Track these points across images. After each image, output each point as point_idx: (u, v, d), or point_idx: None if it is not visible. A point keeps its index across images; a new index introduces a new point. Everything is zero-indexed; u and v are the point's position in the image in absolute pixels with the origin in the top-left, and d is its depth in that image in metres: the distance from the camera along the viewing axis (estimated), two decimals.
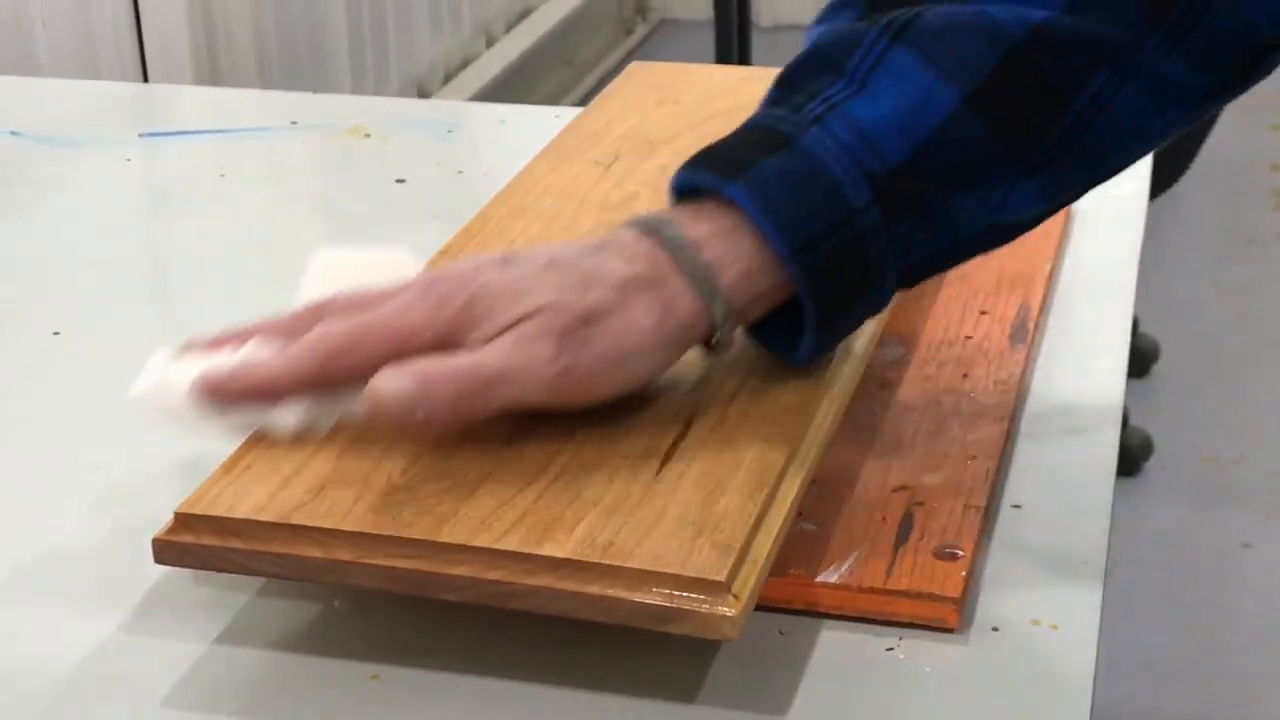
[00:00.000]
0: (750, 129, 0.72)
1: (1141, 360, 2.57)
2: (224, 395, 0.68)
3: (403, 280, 0.70)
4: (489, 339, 0.66)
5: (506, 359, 0.66)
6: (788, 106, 0.71)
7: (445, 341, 0.67)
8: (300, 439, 0.69)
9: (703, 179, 0.71)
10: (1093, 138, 0.70)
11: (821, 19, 0.75)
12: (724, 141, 0.72)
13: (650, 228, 0.70)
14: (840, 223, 0.69)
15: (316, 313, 0.70)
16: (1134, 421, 2.32)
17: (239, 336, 0.71)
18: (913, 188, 0.69)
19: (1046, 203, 0.72)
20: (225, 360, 0.70)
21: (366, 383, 0.66)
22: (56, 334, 0.93)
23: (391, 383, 0.65)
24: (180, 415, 0.69)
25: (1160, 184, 2.22)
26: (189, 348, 0.72)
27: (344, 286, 0.72)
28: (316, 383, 0.68)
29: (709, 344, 0.71)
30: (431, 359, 0.66)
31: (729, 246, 0.69)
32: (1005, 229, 0.73)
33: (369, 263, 0.78)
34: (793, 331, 0.71)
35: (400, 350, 0.66)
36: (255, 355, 0.69)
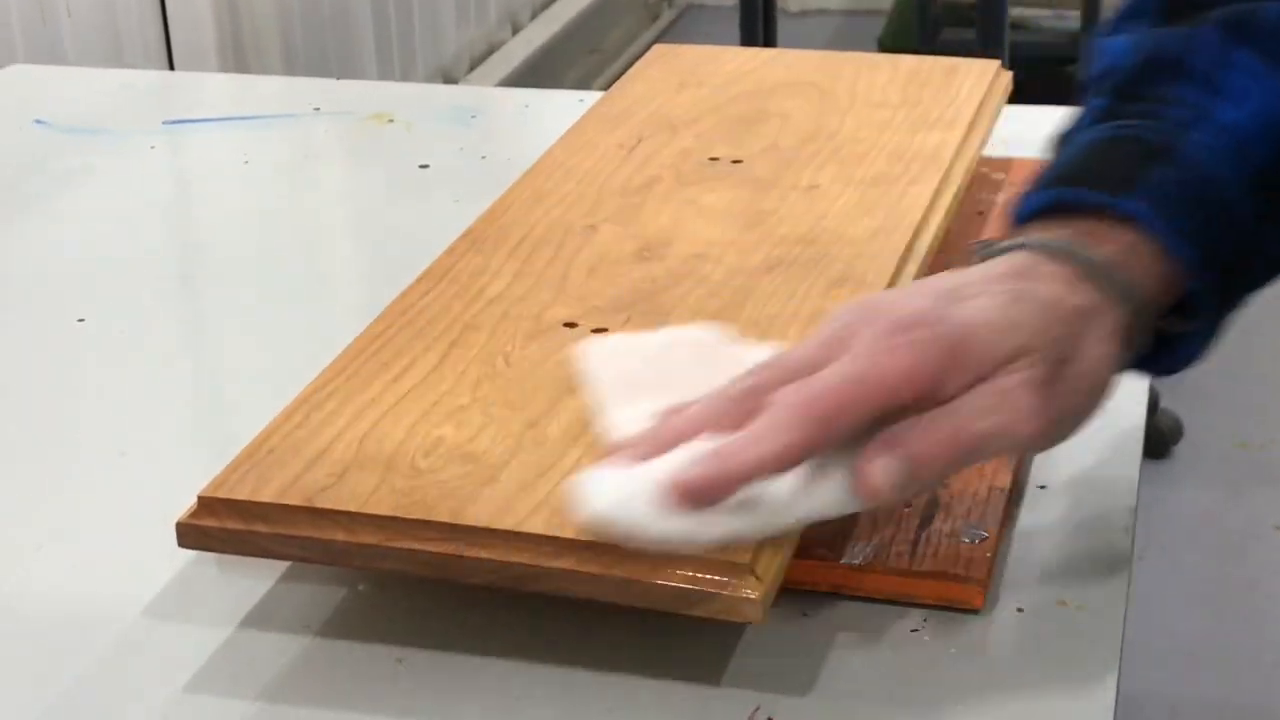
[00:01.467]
0: (1113, 141, 0.68)
1: None
2: (710, 494, 0.60)
3: (829, 334, 0.63)
4: (974, 390, 0.61)
5: (995, 421, 0.61)
6: (1140, 115, 0.69)
7: (929, 394, 0.61)
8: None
9: (1082, 196, 0.66)
10: None
11: (1115, 30, 0.73)
12: (1080, 158, 0.68)
13: (1056, 252, 0.65)
14: (1233, 229, 0.67)
15: (752, 390, 0.63)
16: (1164, 405, 2.31)
17: (671, 433, 0.63)
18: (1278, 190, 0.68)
19: None
20: (679, 459, 0.61)
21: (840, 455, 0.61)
22: (81, 321, 0.94)
23: (884, 471, 0.60)
24: (650, 530, 0.61)
25: None
26: (617, 454, 0.63)
27: (639, 371, 0.68)
28: (806, 455, 0.60)
29: None
30: (918, 433, 0.60)
31: (1136, 261, 0.65)
32: None
33: (659, 344, 0.73)
34: (1161, 342, 0.68)
35: (890, 406, 0.61)
36: (712, 446, 0.61)
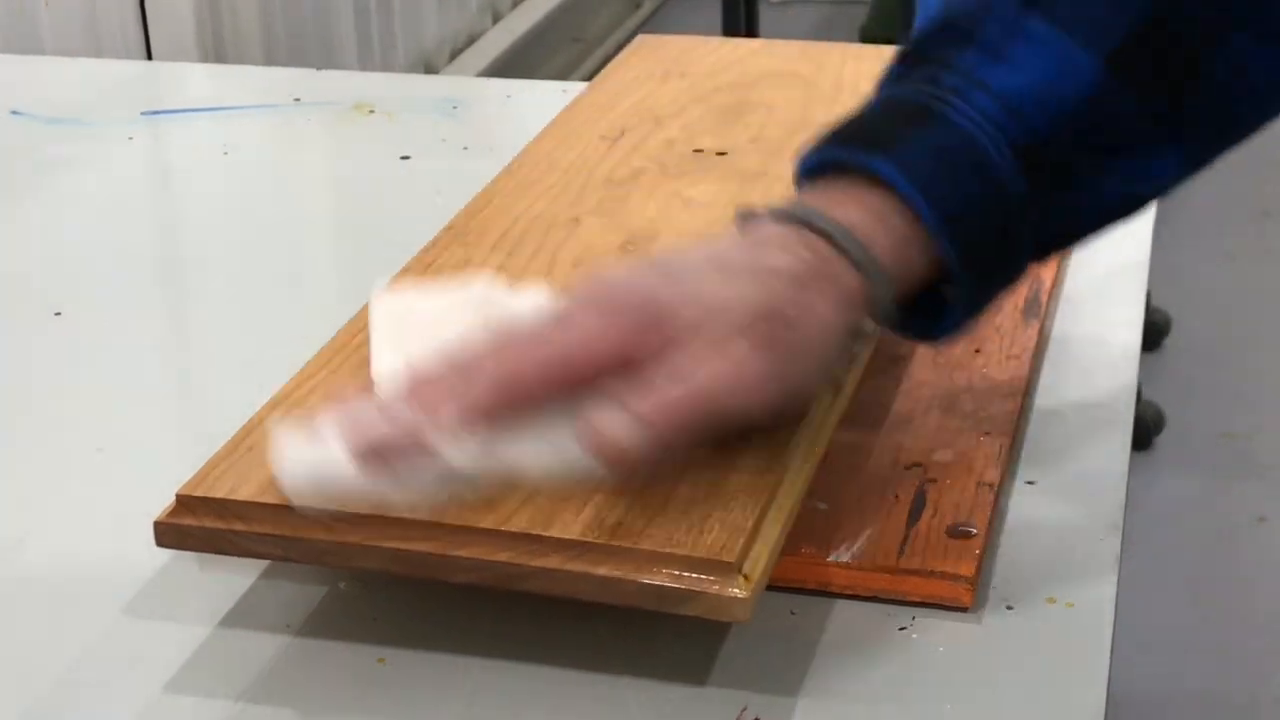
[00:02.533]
0: (886, 102, 0.69)
1: (1153, 333, 2.56)
2: (399, 453, 0.60)
3: (548, 306, 0.64)
4: (691, 357, 0.62)
5: (720, 377, 0.62)
6: (920, 79, 0.69)
7: (629, 363, 0.62)
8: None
9: (845, 155, 0.67)
10: (1231, 101, 0.69)
11: None
12: (859, 116, 0.69)
13: (798, 219, 0.66)
14: (989, 196, 0.66)
15: (468, 354, 0.63)
16: (1146, 395, 2.31)
17: (372, 399, 0.63)
18: (1057, 158, 0.67)
19: (1183, 169, 0.70)
20: (373, 417, 0.61)
21: (540, 420, 0.61)
22: (58, 314, 0.93)
23: (618, 428, 0.60)
24: (350, 492, 0.61)
25: None
26: (310, 423, 0.62)
27: (418, 325, 0.68)
28: (500, 417, 0.61)
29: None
30: (640, 391, 0.61)
31: (880, 225, 0.65)
32: (1140, 198, 0.71)
33: (445, 299, 0.73)
34: (926, 311, 0.68)
35: (586, 378, 0.61)
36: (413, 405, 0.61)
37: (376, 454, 0.60)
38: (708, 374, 0.62)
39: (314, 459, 0.61)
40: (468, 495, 0.62)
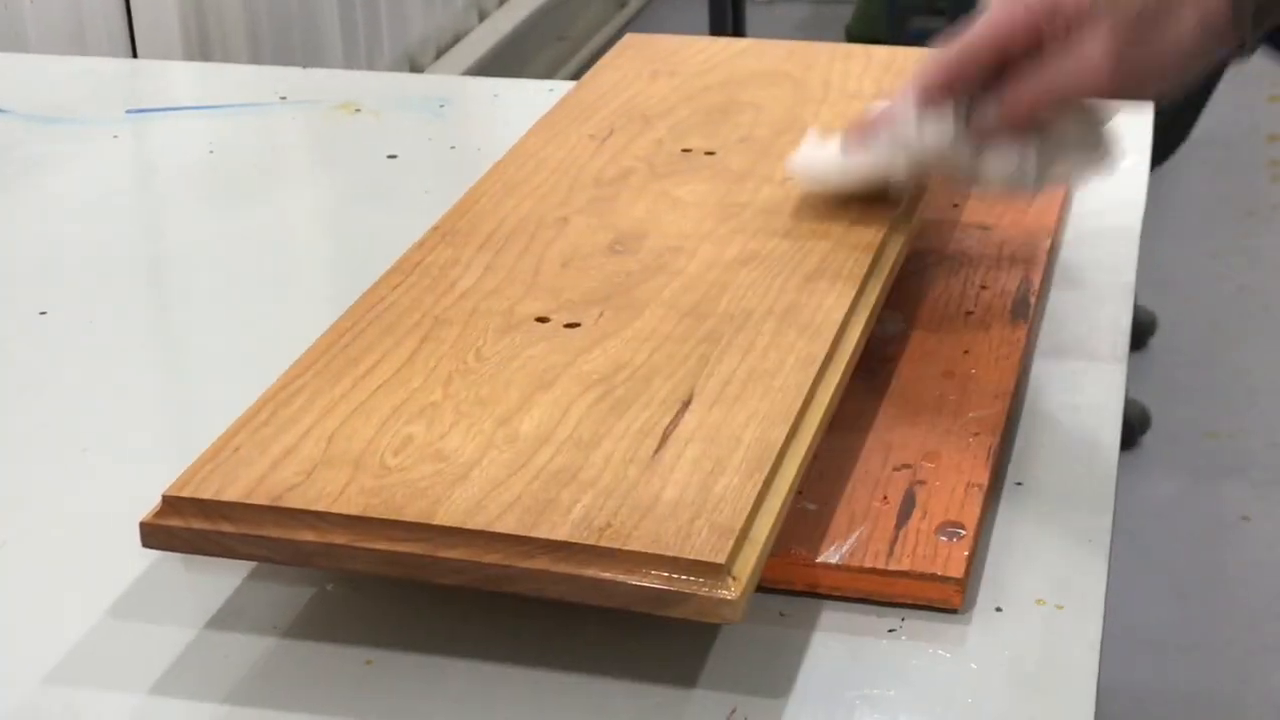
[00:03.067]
0: None
1: (1139, 333, 2.56)
2: (866, 130, 0.80)
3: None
4: (1065, 51, 0.73)
5: (1074, 76, 0.73)
6: None
7: (1039, 45, 0.74)
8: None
9: None
10: None
11: None
12: None
13: None
14: None
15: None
16: (1131, 394, 2.31)
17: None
18: None
19: None
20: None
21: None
22: (43, 313, 0.92)
23: (986, 112, 0.76)
24: (832, 171, 0.83)
25: (1158, 156, 2.21)
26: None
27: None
28: (934, 95, 0.77)
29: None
30: (1012, 83, 0.75)
31: None
32: None
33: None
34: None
35: (1008, 59, 0.75)
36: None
37: (857, 134, 0.81)
38: (1068, 76, 0.74)
39: (812, 151, 0.84)
40: (924, 174, 0.82)
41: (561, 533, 0.61)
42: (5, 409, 0.84)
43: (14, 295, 0.95)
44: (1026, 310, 0.86)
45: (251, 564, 0.68)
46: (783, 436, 0.67)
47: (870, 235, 0.82)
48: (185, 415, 0.85)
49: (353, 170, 1.11)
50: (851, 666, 0.64)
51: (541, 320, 0.75)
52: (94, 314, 0.93)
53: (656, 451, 0.66)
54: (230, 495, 0.64)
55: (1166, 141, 2.34)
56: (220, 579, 0.69)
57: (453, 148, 1.14)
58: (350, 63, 2.81)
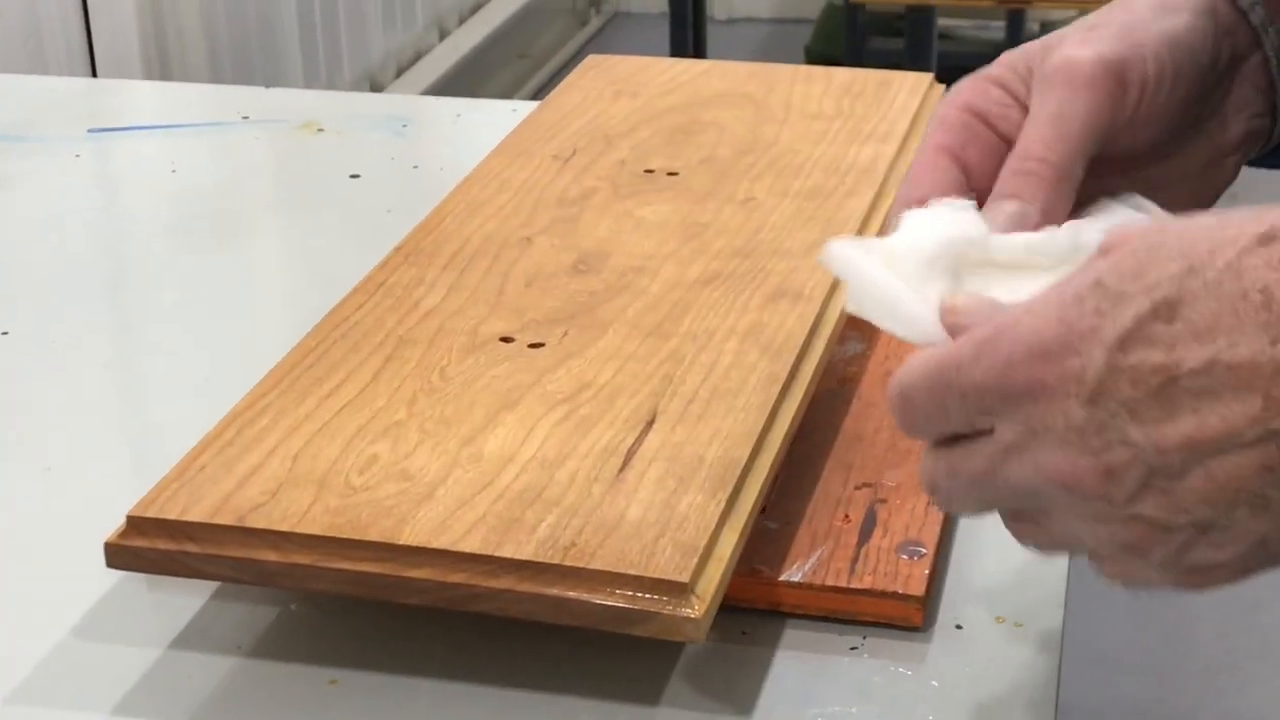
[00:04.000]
0: None
1: None
2: None
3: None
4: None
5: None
6: None
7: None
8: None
9: None
10: None
11: None
12: None
13: None
14: None
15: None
16: None
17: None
18: None
19: None
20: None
21: None
22: (5, 334, 0.92)
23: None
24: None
25: None
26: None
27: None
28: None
29: None
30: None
31: None
32: None
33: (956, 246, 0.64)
34: None
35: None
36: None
37: None
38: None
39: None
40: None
41: (526, 552, 0.62)
42: None
43: None
44: None
45: (216, 584, 0.68)
46: (746, 455, 0.67)
47: None
48: (149, 435, 0.85)
49: (315, 190, 1.11)
50: (814, 684, 0.64)
51: (506, 340, 0.76)
52: (56, 333, 0.92)
53: (620, 471, 0.66)
54: (195, 515, 0.64)
55: None
56: (184, 599, 0.69)
57: (415, 167, 1.14)
58: (311, 81, 2.81)
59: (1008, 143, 0.62)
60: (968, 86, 0.64)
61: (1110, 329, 0.49)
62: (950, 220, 0.61)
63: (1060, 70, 0.62)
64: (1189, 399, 0.48)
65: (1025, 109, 0.63)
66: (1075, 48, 0.62)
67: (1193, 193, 0.67)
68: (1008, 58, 0.64)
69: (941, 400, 0.53)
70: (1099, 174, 0.63)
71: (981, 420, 0.52)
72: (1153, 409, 0.48)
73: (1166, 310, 0.48)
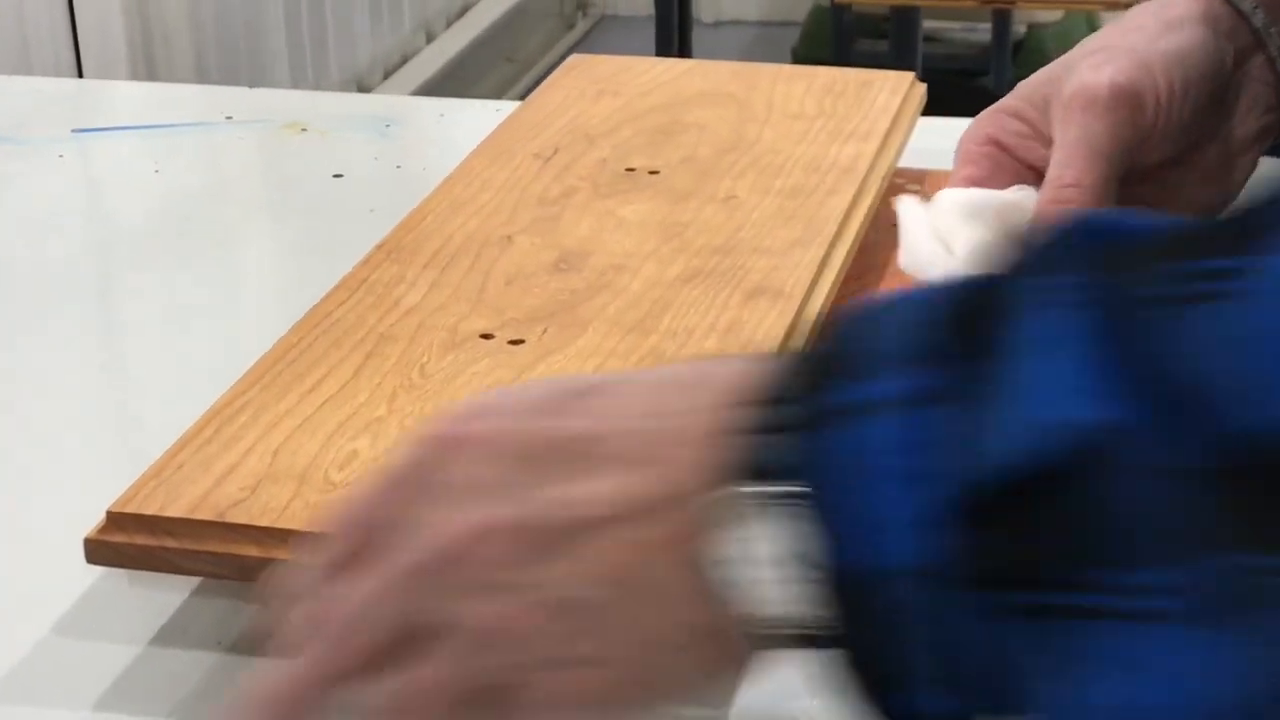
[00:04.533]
0: None
1: None
2: None
3: None
4: None
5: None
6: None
7: None
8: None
9: None
10: None
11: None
12: None
13: None
14: None
15: None
16: None
17: None
18: None
19: None
20: None
21: None
22: None
23: None
24: None
25: None
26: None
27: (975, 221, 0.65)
28: None
29: None
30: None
31: None
32: None
33: (998, 203, 0.67)
34: None
35: None
36: None
37: None
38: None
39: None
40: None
41: None
42: None
43: None
44: None
45: (196, 580, 0.69)
46: None
47: (811, 254, 0.83)
48: (130, 431, 0.85)
49: (299, 189, 1.11)
50: (795, 677, 0.64)
51: (486, 337, 0.76)
52: (39, 332, 0.92)
53: None
54: (175, 511, 0.64)
55: None
56: (165, 595, 0.69)
57: (398, 167, 1.14)
58: (297, 83, 2.81)
59: (1032, 170, 0.64)
60: (986, 120, 0.66)
61: None
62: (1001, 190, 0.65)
63: (1078, 97, 0.64)
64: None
65: (1043, 138, 0.65)
66: (1089, 74, 0.64)
67: (1215, 190, 0.69)
68: (1021, 89, 0.67)
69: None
70: (1123, 183, 0.64)
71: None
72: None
73: None
